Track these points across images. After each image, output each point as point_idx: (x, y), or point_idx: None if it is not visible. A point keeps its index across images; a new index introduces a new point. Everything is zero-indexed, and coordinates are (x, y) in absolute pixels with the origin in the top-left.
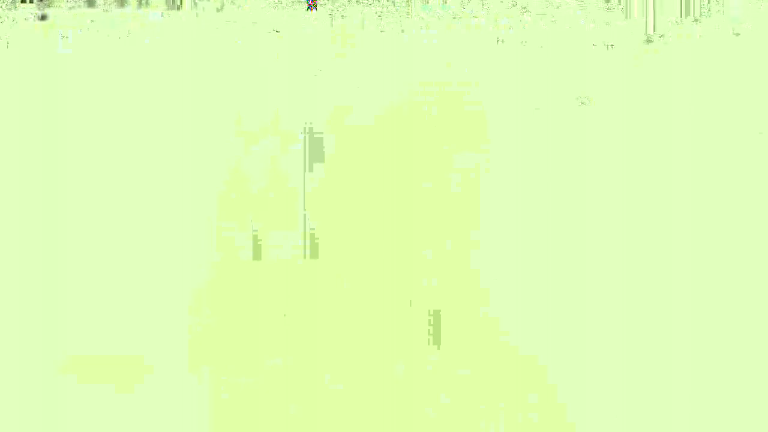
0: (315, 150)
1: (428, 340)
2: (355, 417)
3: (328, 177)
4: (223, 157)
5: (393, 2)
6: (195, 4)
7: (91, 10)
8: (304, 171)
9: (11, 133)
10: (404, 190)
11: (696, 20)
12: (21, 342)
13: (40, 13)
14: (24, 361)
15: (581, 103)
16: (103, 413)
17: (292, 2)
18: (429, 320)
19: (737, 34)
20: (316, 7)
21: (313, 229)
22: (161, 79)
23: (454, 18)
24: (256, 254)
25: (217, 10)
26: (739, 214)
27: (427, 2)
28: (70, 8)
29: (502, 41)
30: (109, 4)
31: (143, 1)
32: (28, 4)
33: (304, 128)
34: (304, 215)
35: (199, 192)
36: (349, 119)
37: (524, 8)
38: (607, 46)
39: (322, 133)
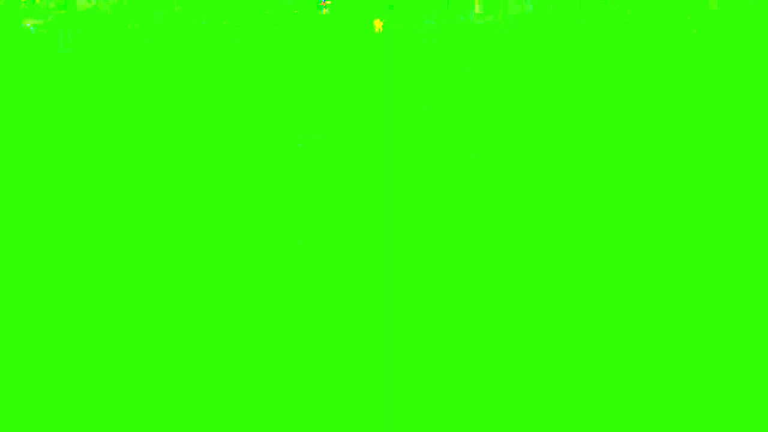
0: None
1: (428, 339)
2: (354, 416)
3: (330, 172)
4: (225, 156)
5: (392, 2)
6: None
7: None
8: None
9: (10, 133)
10: (404, 188)
11: (696, 19)
12: (21, 342)
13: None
14: (24, 360)
15: (579, 102)
16: (103, 413)
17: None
18: (429, 318)
19: (737, 34)
20: (327, 7)
21: (313, 227)
22: (162, 76)
23: (455, 17)
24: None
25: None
26: (740, 215)
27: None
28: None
29: (502, 41)
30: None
31: None
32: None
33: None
34: (304, 215)
35: (199, 191)
36: (354, 114)
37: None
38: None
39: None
